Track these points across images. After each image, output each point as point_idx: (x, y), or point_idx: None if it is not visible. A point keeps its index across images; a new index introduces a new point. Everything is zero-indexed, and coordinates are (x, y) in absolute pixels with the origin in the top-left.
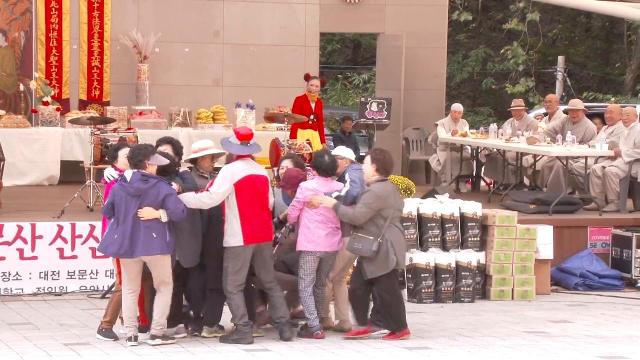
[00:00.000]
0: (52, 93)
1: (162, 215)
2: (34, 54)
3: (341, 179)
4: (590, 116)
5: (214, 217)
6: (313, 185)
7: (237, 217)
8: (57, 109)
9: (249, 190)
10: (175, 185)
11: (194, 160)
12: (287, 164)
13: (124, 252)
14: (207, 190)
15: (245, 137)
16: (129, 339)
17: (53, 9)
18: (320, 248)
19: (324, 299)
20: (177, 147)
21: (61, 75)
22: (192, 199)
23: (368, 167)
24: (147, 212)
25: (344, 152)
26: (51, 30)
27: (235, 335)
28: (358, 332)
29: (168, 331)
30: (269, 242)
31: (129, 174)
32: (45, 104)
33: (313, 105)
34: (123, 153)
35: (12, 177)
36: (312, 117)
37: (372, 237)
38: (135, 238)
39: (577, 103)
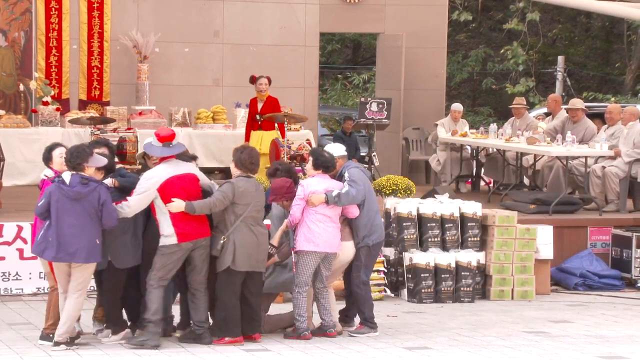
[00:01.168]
0: (52, 93)
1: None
2: (34, 54)
3: (340, 177)
4: (590, 116)
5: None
6: (315, 182)
7: (167, 217)
8: (57, 109)
9: (174, 192)
10: (109, 180)
11: (146, 162)
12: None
13: (56, 255)
14: (127, 200)
15: (166, 138)
16: (55, 343)
17: (53, 9)
18: (319, 249)
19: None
20: (113, 150)
21: (61, 75)
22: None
23: (232, 164)
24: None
25: (337, 150)
26: (51, 30)
27: (142, 337)
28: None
29: (113, 338)
30: (205, 238)
31: (67, 176)
32: (45, 104)
33: (260, 105)
34: (57, 153)
35: (12, 177)
36: (257, 117)
37: (220, 235)
38: (70, 243)
39: (576, 102)
